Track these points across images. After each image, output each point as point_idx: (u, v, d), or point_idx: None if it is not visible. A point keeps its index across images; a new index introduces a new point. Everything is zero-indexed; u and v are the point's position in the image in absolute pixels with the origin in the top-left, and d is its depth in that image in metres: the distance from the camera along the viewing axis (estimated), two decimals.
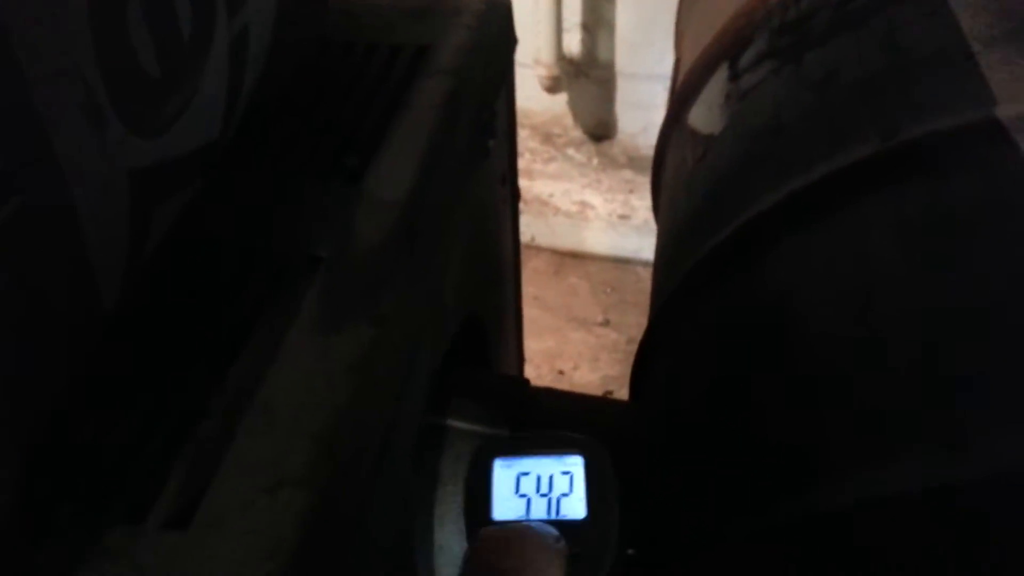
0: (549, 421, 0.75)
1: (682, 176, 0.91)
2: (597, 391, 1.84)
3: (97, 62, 0.30)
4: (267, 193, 0.63)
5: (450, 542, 0.70)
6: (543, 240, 2.05)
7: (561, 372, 1.86)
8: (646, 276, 2.03)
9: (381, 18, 0.86)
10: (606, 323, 1.95)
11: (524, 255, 2.10)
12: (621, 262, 2.05)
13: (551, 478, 0.39)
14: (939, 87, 0.62)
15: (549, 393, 0.81)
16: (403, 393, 0.60)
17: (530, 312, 2.11)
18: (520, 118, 2.34)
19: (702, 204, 0.81)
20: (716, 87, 0.94)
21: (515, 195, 0.99)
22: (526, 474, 0.39)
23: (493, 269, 0.94)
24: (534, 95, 2.03)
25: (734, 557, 0.57)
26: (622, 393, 1.83)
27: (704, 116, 0.94)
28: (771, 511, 0.53)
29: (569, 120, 2.20)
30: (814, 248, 0.62)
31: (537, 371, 1.84)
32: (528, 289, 2.17)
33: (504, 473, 0.39)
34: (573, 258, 2.05)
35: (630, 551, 0.68)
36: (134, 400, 0.50)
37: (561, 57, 1.94)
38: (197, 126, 0.41)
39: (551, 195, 2.10)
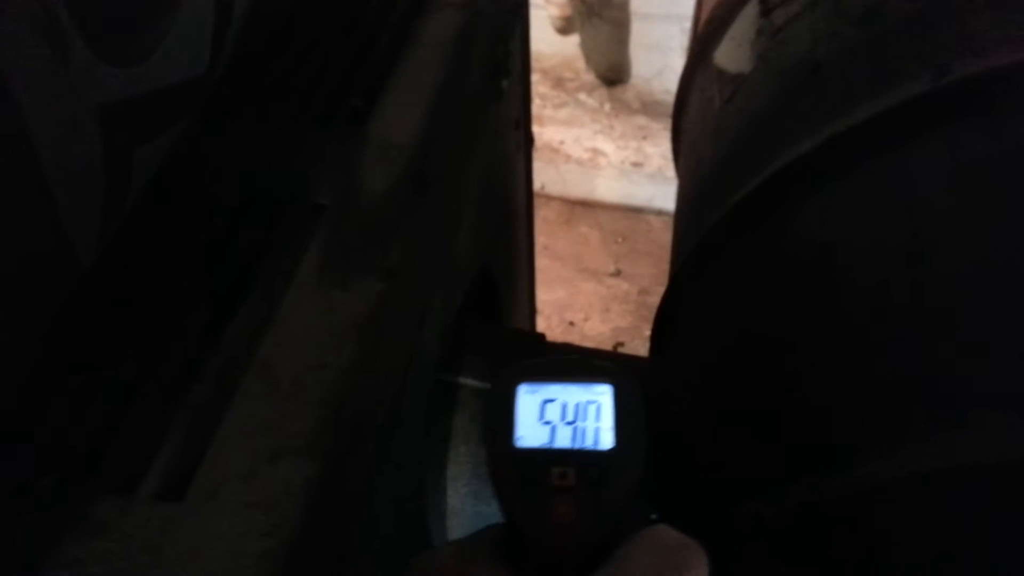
0: None
1: (708, 118, 0.85)
2: (608, 343, 1.80)
3: None
4: (264, 135, 0.58)
5: (463, 504, 0.66)
6: (553, 188, 2.00)
7: (572, 323, 1.83)
8: (658, 225, 1.98)
9: None
10: (617, 273, 1.91)
11: (534, 204, 2.05)
12: (633, 211, 2.00)
13: (577, 406, 0.36)
14: (996, 20, 0.57)
15: (565, 349, 0.77)
16: (414, 351, 0.56)
17: (540, 262, 2.06)
18: (531, 62, 2.26)
19: (731, 148, 0.75)
20: (745, 22, 0.88)
21: (528, 141, 0.94)
22: (551, 401, 0.36)
23: (506, 219, 0.89)
24: (545, 37, 1.96)
25: (767, 530, 0.53)
26: (633, 344, 1.80)
27: (732, 54, 0.88)
28: (809, 485, 0.49)
29: (581, 63, 2.13)
30: (858, 197, 0.57)
31: (547, 322, 1.81)
32: (538, 239, 2.12)
33: (528, 399, 0.36)
34: (584, 207, 2.00)
35: (653, 516, 0.65)
36: (120, 362, 0.46)
37: None
38: (180, 57, 0.37)
39: (562, 142, 2.04)
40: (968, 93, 0.54)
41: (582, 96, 2.10)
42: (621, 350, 1.77)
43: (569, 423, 0.36)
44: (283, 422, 0.44)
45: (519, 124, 0.89)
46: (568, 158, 2.03)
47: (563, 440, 0.35)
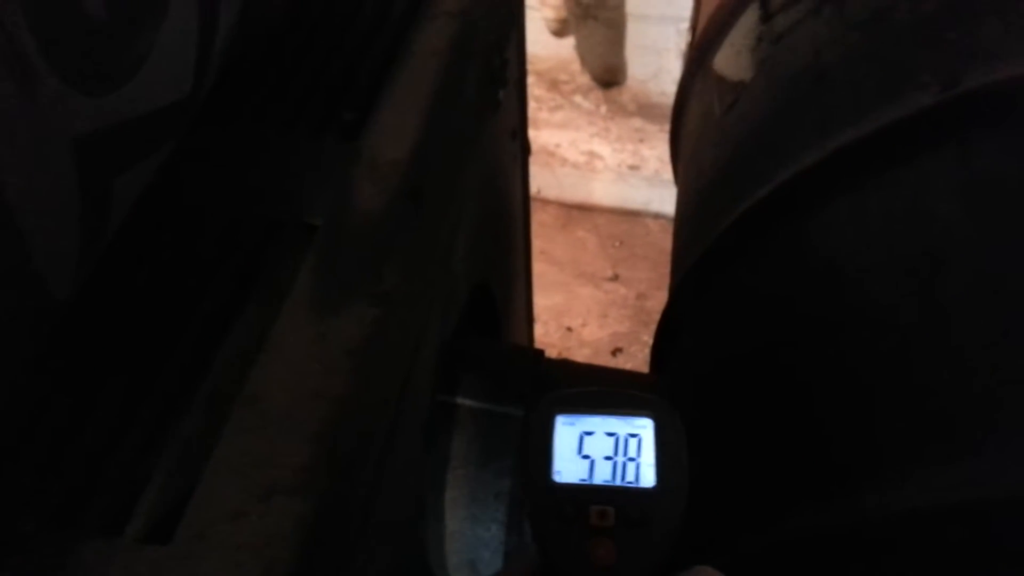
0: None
1: (708, 127, 0.83)
2: (606, 348, 1.79)
3: (20, 1, 0.23)
4: (253, 154, 0.56)
5: (461, 527, 0.65)
6: (549, 192, 1.98)
7: (569, 329, 1.81)
8: (656, 229, 1.96)
9: None
10: (615, 278, 1.89)
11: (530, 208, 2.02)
12: (630, 214, 1.98)
13: (617, 440, 0.34)
14: (1008, 27, 0.55)
15: (565, 365, 0.75)
16: (410, 377, 0.54)
17: (537, 267, 2.04)
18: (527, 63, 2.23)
19: (733, 159, 0.74)
20: (745, 28, 0.86)
21: (525, 150, 0.93)
22: (590, 433, 0.34)
23: (503, 231, 0.87)
24: (540, 39, 1.94)
25: (775, 559, 0.52)
26: (632, 350, 1.78)
27: (732, 61, 0.87)
28: (818, 513, 0.48)
29: (576, 65, 2.11)
30: (866, 211, 0.55)
31: (545, 328, 1.79)
32: (535, 243, 2.10)
33: (566, 431, 0.34)
34: (581, 211, 1.98)
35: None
36: (104, 395, 0.45)
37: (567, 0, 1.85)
38: (162, 81, 0.35)
39: (558, 145, 2.02)
40: (980, 103, 0.52)
41: (578, 99, 2.08)
42: (619, 356, 1.76)
43: (608, 458, 0.34)
44: (275, 458, 0.42)
45: (516, 134, 0.88)
46: (564, 161, 2.01)
47: (602, 476, 0.33)
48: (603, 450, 0.33)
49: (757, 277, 0.62)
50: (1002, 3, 0.58)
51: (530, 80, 2.23)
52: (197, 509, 0.40)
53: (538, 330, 1.80)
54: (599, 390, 0.35)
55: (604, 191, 2.00)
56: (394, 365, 0.51)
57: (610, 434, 0.34)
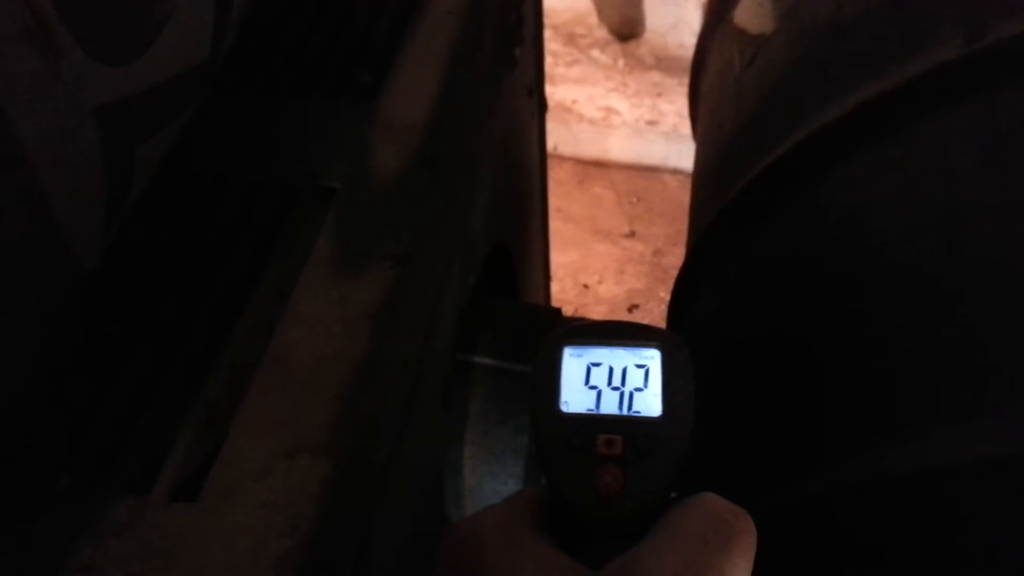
0: None
1: (728, 82, 0.82)
2: (623, 305, 1.79)
3: None
4: (269, 118, 0.56)
5: (480, 483, 0.66)
6: (566, 149, 1.96)
7: (585, 286, 1.81)
8: (674, 185, 1.94)
9: None
10: (632, 235, 1.88)
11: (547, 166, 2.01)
12: (648, 170, 1.96)
13: (624, 370, 0.34)
14: None
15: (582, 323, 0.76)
16: (431, 335, 0.55)
17: (553, 224, 2.03)
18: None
19: (753, 114, 0.73)
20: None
21: (542, 107, 0.92)
22: (597, 365, 0.34)
23: (520, 190, 0.87)
24: None
25: (792, 517, 0.52)
26: (648, 306, 1.78)
27: (753, 13, 0.85)
28: (838, 470, 0.48)
29: (593, 18, 2.08)
30: (888, 167, 0.55)
31: (561, 285, 1.79)
32: (551, 201, 2.09)
33: (574, 362, 0.34)
34: (597, 167, 1.97)
35: (673, 494, 0.65)
36: (132, 359, 0.45)
37: None
38: (180, 48, 0.35)
39: (574, 101, 2.00)
40: (1005, 57, 0.51)
41: (595, 53, 2.05)
42: (636, 312, 1.76)
43: (615, 388, 0.34)
44: (299, 418, 0.43)
45: (532, 91, 0.87)
46: (581, 117, 1.99)
47: (609, 406, 0.33)
48: (611, 380, 0.34)
49: (776, 234, 0.62)
50: None
51: (546, 34, 2.20)
52: (223, 467, 0.41)
53: (554, 287, 1.80)
54: (607, 322, 0.35)
55: (621, 147, 1.98)
56: (414, 326, 0.51)
57: (617, 365, 0.34)
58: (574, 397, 0.33)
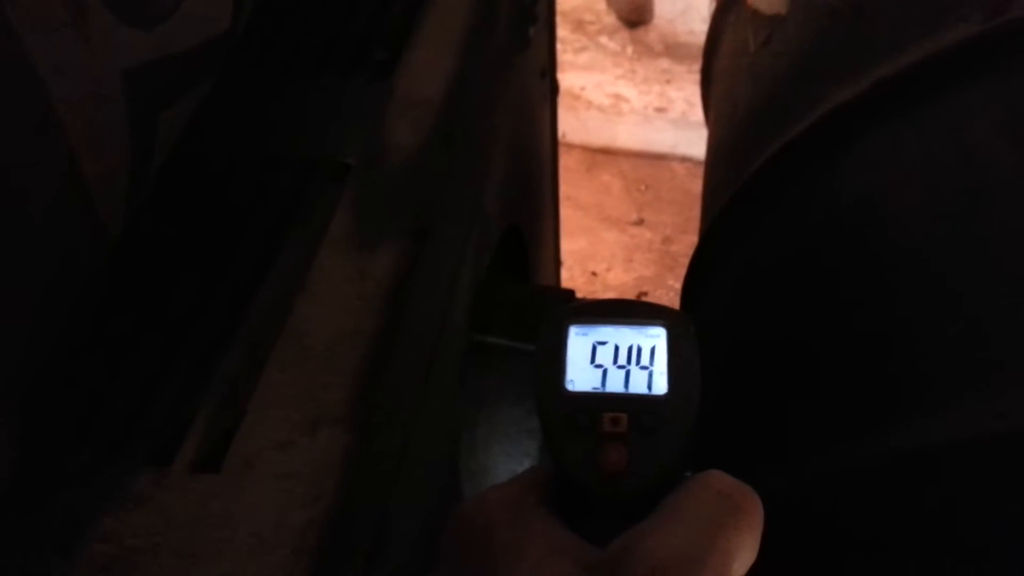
0: None
1: (742, 63, 0.82)
2: (631, 293, 1.79)
3: None
4: (288, 91, 0.56)
5: (495, 463, 0.66)
6: (574, 137, 1.96)
7: (594, 274, 1.81)
8: (682, 172, 1.94)
9: None
10: (640, 222, 1.88)
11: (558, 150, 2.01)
12: (656, 158, 1.96)
13: (630, 349, 0.34)
14: None
15: None
16: (447, 313, 0.55)
17: (562, 212, 2.03)
18: None
19: (769, 95, 0.72)
20: None
21: (554, 90, 0.91)
22: (603, 343, 0.34)
23: (532, 173, 0.87)
24: None
25: (809, 494, 0.52)
26: (657, 294, 1.78)
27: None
28: (854, 448, 0.48)
29: (602, 5, 2.07)
30: (905, 147, 0.54)
31: (570, 273, 1.79)
32: (560, 188, 2.09)
33: (579, 340, 0.34)
34: (606, 155, 1.96)
35: (688, 473, 0.65)
36: (151, 333, 0.46)
37: None
38: (202, 15, 0.35)
39: (583, 88, 1.99)
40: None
41: (603, 39, 2.04)
42: (644, 300, 1.76)
43: (621, 367, 0.34)
44: (319, 392, 0.43)
45: (545, 73, 0.87)
46: (589, 104, 1.99)
47: (615, 384, 0.33)
48: (616, 359, 0.34)
49: (789, 216, 0.62)
50: None
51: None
52: (244, 439, 0.41)
53: (563, 275, 1.80)
54: (613, 300, 0.35)
55: (630, 134, 1.97)
56: (431, 302, 0.51)
57: (623, 343, 0.34)
58: (579, 376, 0.33)
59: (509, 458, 0.65)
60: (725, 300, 0.70)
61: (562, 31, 2.06)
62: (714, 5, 1.00)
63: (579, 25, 2.05)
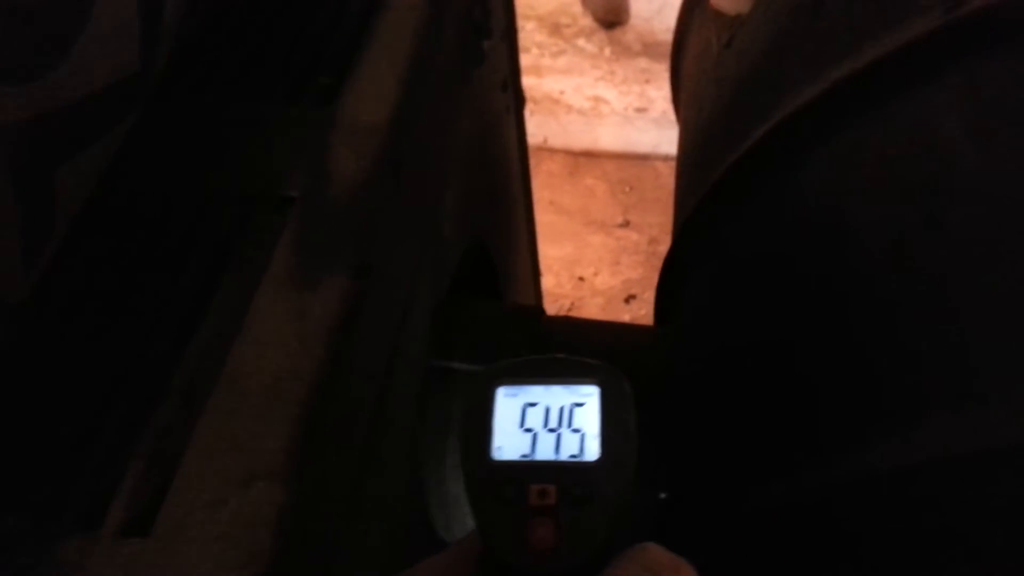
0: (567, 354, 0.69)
1: (707, 66, 0.80)
2: (619, 296, 1.77)
3: None
4: (224, 125, 0.54)
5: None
6: (556, 141, 1.94)
7: (581, 279, 1.79)
8: (666, 172, 1.92)
9: None
10: (626, 224, 1.86)
11: (536, 158, 1.99)
12: (639, 158, 1.94)
13: (561, 410, 0.32)
14: None
15: (566, 323, 0.74)
16: (399, 346, 0.53)
17: (546, 218, 2.01)
18: (525, 9, 2.18)
19: (731, 97, 0.70)
20: None
21: (519, 101, 0.89)
22: (533, 405, 0.32)
23: (498, 186, 0.85)
24: None
25: (774, 517, 0.50)
26: (646, 296, 1.76)
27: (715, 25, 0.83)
28: (826, 467, 0.46)
29: (577, 7, 2.05)
30: (867, 147, 0.52)
31: (556, 279, 1.77)
32: (543, 193, 2.06)
33: (508, 403, 0.32)
34: (588, 158, 1.94)
35: (662, 495, 0.63)
36: (80, 389, 0.43)
37: None
38: (99, 60, 0.33)
39: (562, 92, 1.97)
40: (988, 23, 0.48)
41: (580, 42, 2.02)
42: (633, 302, 1.74)
43: (552, 430, 0.32)
44: (253, 442, 0.41)
45: (507, 85, 0.85)
46: (569, 108, 1.97)
47: (545, 450, 0.31)
48: (547, 422, 0.31)
49: (755, 222, 0.60)
50: None
51: (531, 26, 2.18)
52: (175, 498, 0.39)
53: (550, 281, 1.78)
54: (544, 357, 0.33)
55: (611, 136, 1.95)
56: (379, 337, 0.49)
57: (554, 404, 0.32)
58: (507, 442, 0.31)
59: None
60: (698, 310, 0.68)
61: (539, 35, 2.05)
62: None
63: (556, 29, 2.03)
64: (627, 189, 1.91)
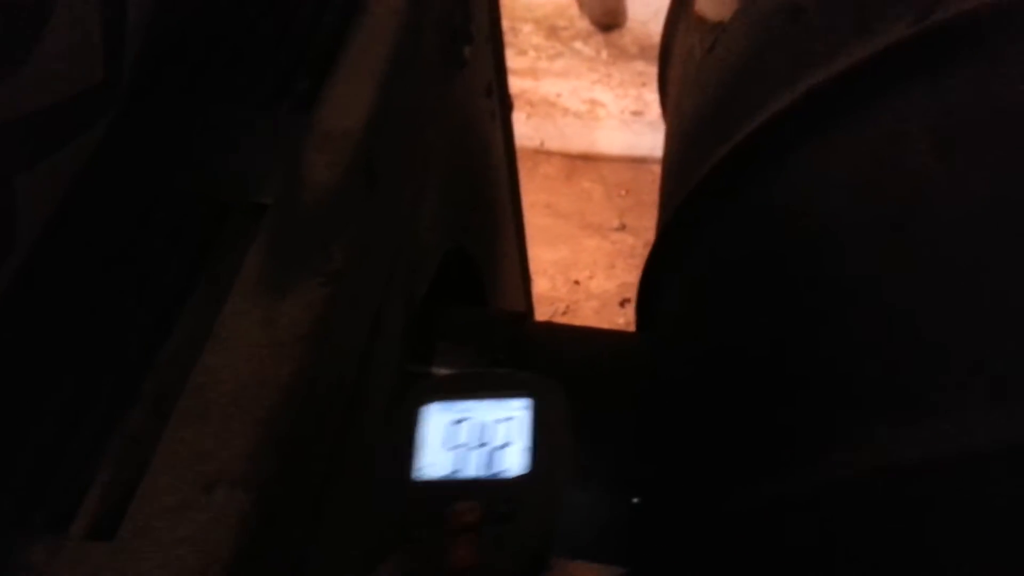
0: (548, 360, 0.69)
1: (690, 71, 0.80)
2: (614, 299, 1.77)
3: None
4: (200, 130, 0.55)
5: None
6: (553, 144, 1.94)
7: (577, 282, 1.79)
8: None
9: None
10: (622, 227, 1.87)
11: (533, 161, 1.99)
12: (636, 161, 1.94)
13: (490, 425, 0.31)
14: None
15: (549, 328, 0.74)
16: (370, 352, 0.53)
17: (542, 221, 2.01)
18: (522, 12, 2.18)
19: (712, 103, 0.71)
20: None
21: (505, 106, 0.90)
22: (461, 420, 0.32)
23: (482, 192, 0.85)
24: None
25: (745, 523, 0.51)
26: None
27: (713, 1, 0.83)
28: (791, 475, 0.46)
29: (574, 10, 2.05)
30: (837, 157, 0.53)
31: (552, 282, 1.77)
32: (540, 196, 2.07)
33: (437, 420, 0.32)
34: (585, 161, 1.94)
35: (635, 500, 0.63)
36: (51, 391, 0.44)
37: None
38: (62, 69, 0.33)
39: (559, 95, 1.98)
40: (955, 34, 0.49)
41: (578, 45, 2.03)
42: (627, 306, 1.74)
43: (481, 445, 0.32)
44: (218, 448, 0.41)
45: (492, 90, 0.85)
46: (566, 111, 1.97)
47: (471, 467, 0.31)
48: (475, 438, 0.31)
49: (731, 229, 0.60)
50: None
51: (527, 28, 2.19)
52: (139, 504, 0.40)
53: (545, 284, 1.78)
54: (477, 372, 0.33)
55: (608, 139, 1.96)
56: (349, 344, 0.50)
57: (485, 419, 0.31)
58: (433, 460, 0.31)
59: None
60: (676, 317, 0.68)
61: (536, 39, 2.05)
62: None
63: (553, 31, 2.03)
64: (623, 192, 1.91)
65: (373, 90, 0.58)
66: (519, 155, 2.40)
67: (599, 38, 2.04)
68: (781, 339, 0.54)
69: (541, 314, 1.59)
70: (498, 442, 0.31)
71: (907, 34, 0.51)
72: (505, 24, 2.39)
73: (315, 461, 0.45)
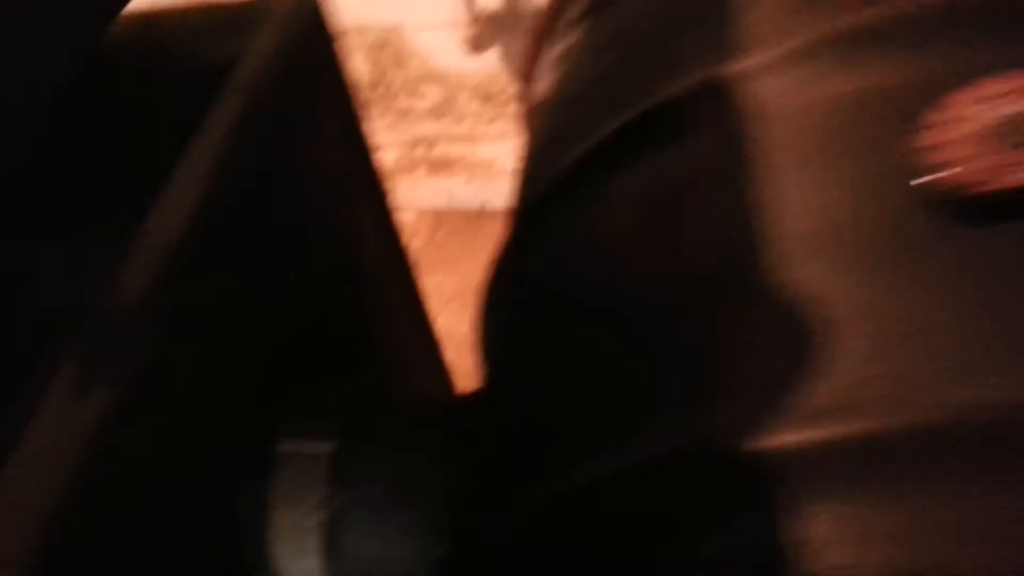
0: (389, 427, 0.75)
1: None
2: None
3: None
4: (16, 249, 0.61)
5: (287, 564, 0.70)
6: (494, 204, 2.02)
7: None
8: None
9: (184, 29, 0.84)
10: None
11: (477, 223, 2.07)
12: None
13: None
14: (688, 44, 0.58)
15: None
16: (170, 458, 0.58)
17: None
18: (456, 80, 2.27)
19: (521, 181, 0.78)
20: (552, 48, 0.90)
21: (364, 163, 0.95)
22: None
23: (344, 258, 0.91)
24: (463, 57, 1.99)
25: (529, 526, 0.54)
26: None
27: (543, 77, 0.91)
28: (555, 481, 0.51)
29: (505, 76, 2.15)
30: (578, 229, 0.60)
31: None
32: (483, 256, 2.13)
33: None
34: None
35: (440, 551, 0.67)
36: None
37: (477, 16, 1.89)
38: None
39: (495, 156, 2.06)
40: (652, 121, 0.56)
41: (512, 108, 2.12)
42: None
43: None
44: None
45: (346, 146, 0.90)
46: (504, 172, 2.05)
47: None
48: None
49: (533, 270, 0.66)
50: (699, 14, 0.61)
51: (464, 96, 2.28)
52: None
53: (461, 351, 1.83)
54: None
55: None
56: (145, 449, 0.55)
57: None
58: None
59: (300, 556, 0.69)
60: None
61: (472, 106, 2.14)
62: None
63: (487, 98, 2.12)
64: None
65: (193, 201, 0.65)
66: (462, 219, 2.48)
67: None
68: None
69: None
70: None
71: (626, 120, 0.58)
72: (442, 94, 2.46)
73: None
